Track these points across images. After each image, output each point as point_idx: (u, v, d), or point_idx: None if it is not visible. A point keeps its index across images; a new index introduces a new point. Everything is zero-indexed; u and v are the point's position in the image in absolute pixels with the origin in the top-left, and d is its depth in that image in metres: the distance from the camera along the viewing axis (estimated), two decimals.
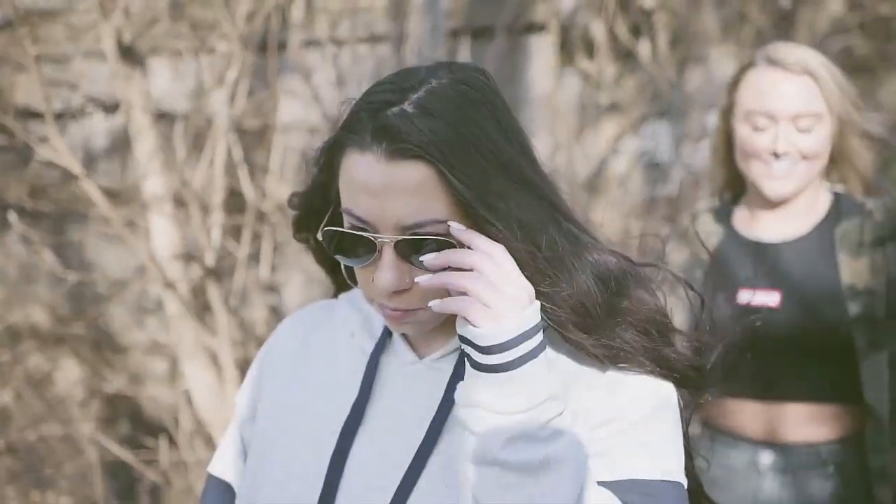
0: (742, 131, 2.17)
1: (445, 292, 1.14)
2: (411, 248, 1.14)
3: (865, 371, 2.09)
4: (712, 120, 3.72)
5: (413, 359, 1.26)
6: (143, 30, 3.16)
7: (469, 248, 1.13)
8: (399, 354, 1.27)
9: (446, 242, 1.13)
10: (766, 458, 2.16)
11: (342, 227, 1.18)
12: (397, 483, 1.17)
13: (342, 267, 1.25)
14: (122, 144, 3.76)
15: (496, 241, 1.13)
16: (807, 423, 2.15)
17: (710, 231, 2.28)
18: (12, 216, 3.46)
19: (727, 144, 2.26)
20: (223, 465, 1.37)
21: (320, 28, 3.66)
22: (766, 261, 2.19)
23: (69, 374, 4.83)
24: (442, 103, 1.13)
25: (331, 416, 1.25)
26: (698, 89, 4.40)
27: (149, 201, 3.27)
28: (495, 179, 1.13)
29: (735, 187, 2.31)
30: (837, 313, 2.09)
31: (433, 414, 1.20)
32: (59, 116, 3.66)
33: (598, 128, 4.48)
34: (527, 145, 1.20)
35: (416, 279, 1.14)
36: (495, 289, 1.09)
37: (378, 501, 1.17)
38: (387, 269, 1.14)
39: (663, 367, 1.21)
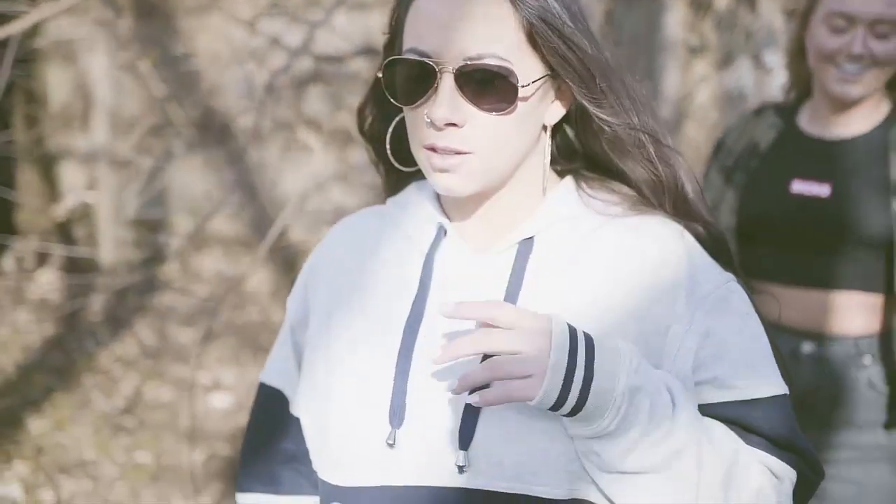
0: (819, 32, 2.17)
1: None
2: (471, 79, 1.11)
3: None
4: (769, 58, 4.84)
5: (470, 252, 1.22)
6: None
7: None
8: (455, 249, 1.23)
9: (504, 79, 1.11)
10: (807, 347, 2.20)
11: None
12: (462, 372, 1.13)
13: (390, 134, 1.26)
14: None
15: (561, 68, 1.15)
16: (847, 313, 2.20)
17: (770, 124, 2.34)
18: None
19: (801, 46, 2.28)
20: (274, 372, 1.36)
21: None
22: (822, 155, 2.24)
23: (256, 274, 5.94)
24: None
25: (394, 317, 1.22)
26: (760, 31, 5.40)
27: None
28: (566, 24, 1.14)
29: (804, 88, 2.35)
30: (883, 208, 2.15)
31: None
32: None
33: (692, 64, 5.62)
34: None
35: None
36: (518, 347, 1.06)
37: (447, 391, 1.16)
38: (444, 98, 1.11)
39: (684, 206, 1.24)
